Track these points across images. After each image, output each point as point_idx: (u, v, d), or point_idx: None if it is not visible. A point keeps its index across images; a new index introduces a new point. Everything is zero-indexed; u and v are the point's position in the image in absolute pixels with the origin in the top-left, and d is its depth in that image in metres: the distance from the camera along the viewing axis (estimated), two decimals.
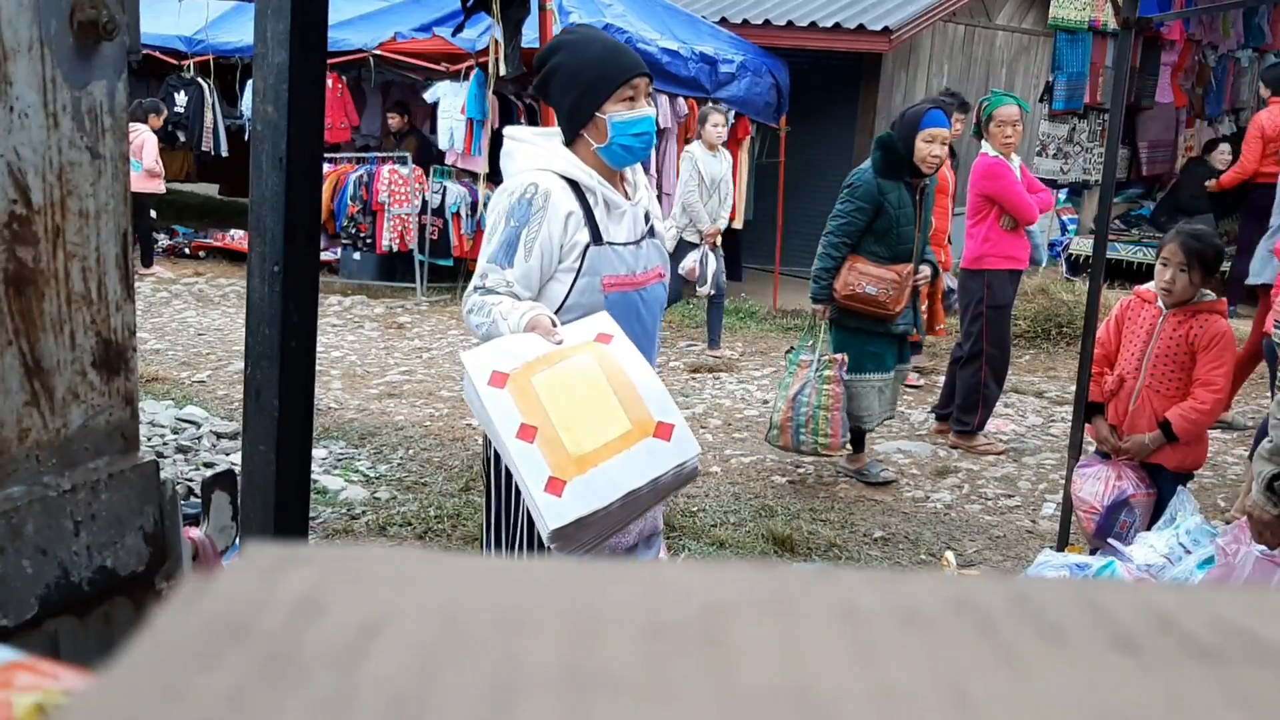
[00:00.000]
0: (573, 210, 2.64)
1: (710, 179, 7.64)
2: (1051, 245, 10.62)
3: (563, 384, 2.33)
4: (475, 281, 2.62)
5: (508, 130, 2.86)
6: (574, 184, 2.66)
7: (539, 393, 2.30)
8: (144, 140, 9.52)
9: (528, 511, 2.54)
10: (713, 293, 7.83)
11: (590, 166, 2.70)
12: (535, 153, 2.70)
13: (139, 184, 9.52)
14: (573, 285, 2.66)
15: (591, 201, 2.68)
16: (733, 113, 9.87)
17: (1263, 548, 2.77)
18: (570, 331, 2.47)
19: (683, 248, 7.68)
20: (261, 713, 0.29)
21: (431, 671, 0.31)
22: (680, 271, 7.56)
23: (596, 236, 2.68)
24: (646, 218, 2.86)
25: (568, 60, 2.67)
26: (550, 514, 2.22)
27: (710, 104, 8.29)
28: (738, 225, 10.24)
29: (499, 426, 2.27)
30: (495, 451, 2.66)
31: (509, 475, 2.60)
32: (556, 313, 2.62)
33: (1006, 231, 5.87)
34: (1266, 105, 8.82)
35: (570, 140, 2.74)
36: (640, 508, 2.42)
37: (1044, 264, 6.80)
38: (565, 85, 2.67)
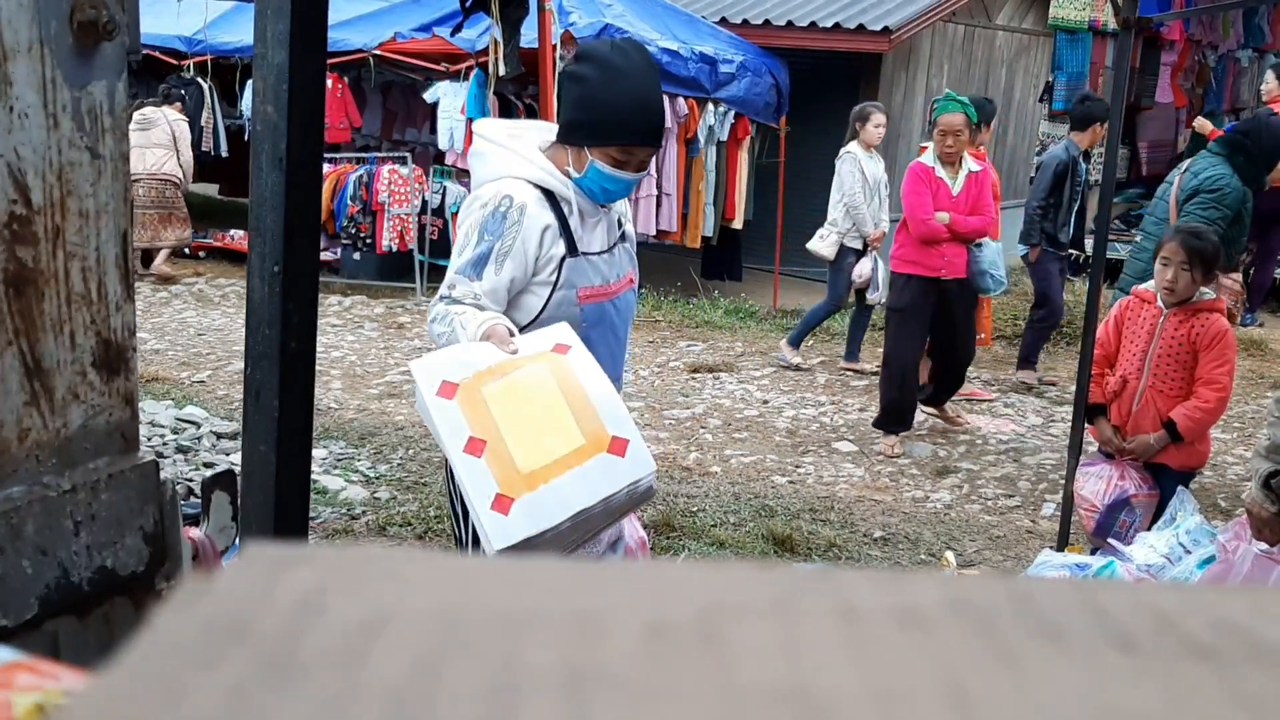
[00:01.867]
0: (549, 224, 2.55)
1: (872, 180, 7.39)
2: None
3: (514, 395, 2.25)
4: (442, 290, 2.53)
5: (478, 126, 2.72)
6: (549, 193, 2.57)
7: (489, 404, 2.21)
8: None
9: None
10: (882, 300, 7.38)
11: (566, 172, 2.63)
12: (508, 159, 2.58)
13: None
14: (549, 299, 2.58)
15: (567, 211, 2.59)
16: (731, 112, 9.88)
17: (1263, 545, 2.77)
18: (526, 341, 2.39)
19: (844, 254, 7.40)
20: (261, 713, 0.29)
21: (431, 671, 0.31)
22: (854, 279, 7.35)
23: (572, 248, 2.59)
24: (620, 222, 2.79)
25: (599, 84, 2.52)
26: (496, 534, 2.12)
27: (869, 102, 7.88)
28: (737, 225, 10.25)
29: (446, 439, 2.19)
30: None
31: None
32: (530, 325, 2.56)
33: (913, 237, 5.84)
34: (1265, 102, 8.76)
35: (555, 142, 2.64)
36: (592, 528, 2.31)
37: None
38: (581, 101, 2.54)
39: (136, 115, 9.57)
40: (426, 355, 2.40)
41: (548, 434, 2.20)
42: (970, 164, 5.91)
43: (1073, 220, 7.25)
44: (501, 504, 2.12)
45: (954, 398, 6.54)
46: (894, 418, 6.01)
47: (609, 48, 2.58)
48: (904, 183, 5.92)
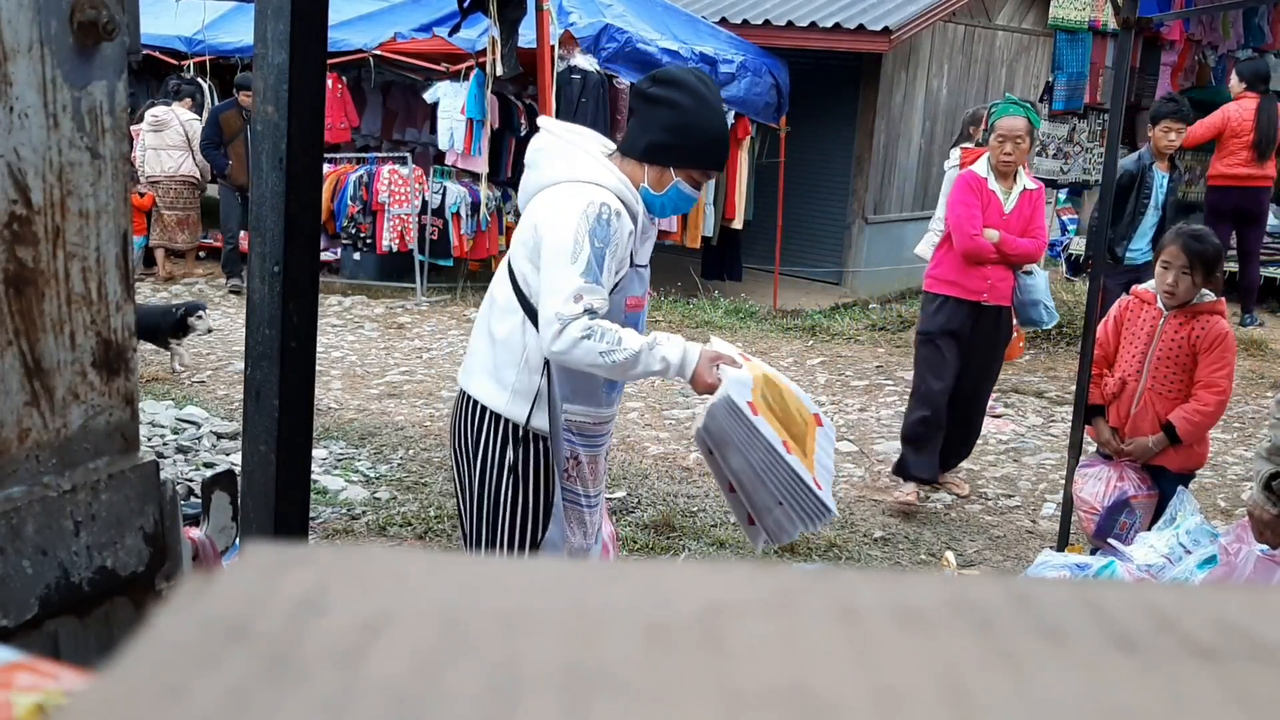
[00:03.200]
0: (631, 231, 2.67)
1: None
2: (1051, 246, 10.60)
3: (774, 401, 2.66)
4: (571, 307, 2.50)
5: (547, 123, 2.79)
6: (624, 204, 2.67)
7: (771, 411, 2.63)
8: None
9: (515, 524, 2.80)
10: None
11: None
12: (591, 165, 2.65)
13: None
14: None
15: (634, 224, 2.70)
16: (731, 112, 9.88)
17: (1264, 547, 2.76)
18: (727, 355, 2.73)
19: None
20: (261, 713, 0.29)
21: (432, 671, 0.31)
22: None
23: (632, 258, 2.73)
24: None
25: (690, 111, 2.64)
26: (830, 505, 2.66)
27: (982, 105, 7.31)
28: (737, 225, 10.25)
29: (775, 444, 2.56)
30: (489, 461, 2.78)
31: (507, 491, 2.79)
32: None
33: (955, 254, 5.15)
34: (1235, 99, 8.74)
35: (626, 155, 2.70)
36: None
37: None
38: (670, 125, 2.64)
39: (148, 116, 9.56)
40: (728, 381, 2.59)
41: (795, 423, 2.68)
42: (1026, 180, 5.19)
43: (1135, 235, 6.68)
44: (816, 485, 2.63)
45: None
46: (914, 459, 5.22)
47: (694, 77, 2.70)
48: (951, 192, 5.24)
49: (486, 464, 2.80)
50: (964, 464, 5.80)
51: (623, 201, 2.63)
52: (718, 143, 2.70)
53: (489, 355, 2.79)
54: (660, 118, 2.65)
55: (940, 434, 5.24)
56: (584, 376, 2.69)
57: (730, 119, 9.87)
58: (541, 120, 2.84)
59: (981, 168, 5.14)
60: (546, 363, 2.69)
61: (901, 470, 5.29)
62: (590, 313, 2.51)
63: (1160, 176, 6.75)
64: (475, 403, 2.82)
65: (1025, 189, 5.14)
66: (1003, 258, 5.08)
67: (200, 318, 6.96)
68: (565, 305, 2.49)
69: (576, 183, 2.62)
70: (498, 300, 2.78)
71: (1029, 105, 5.12)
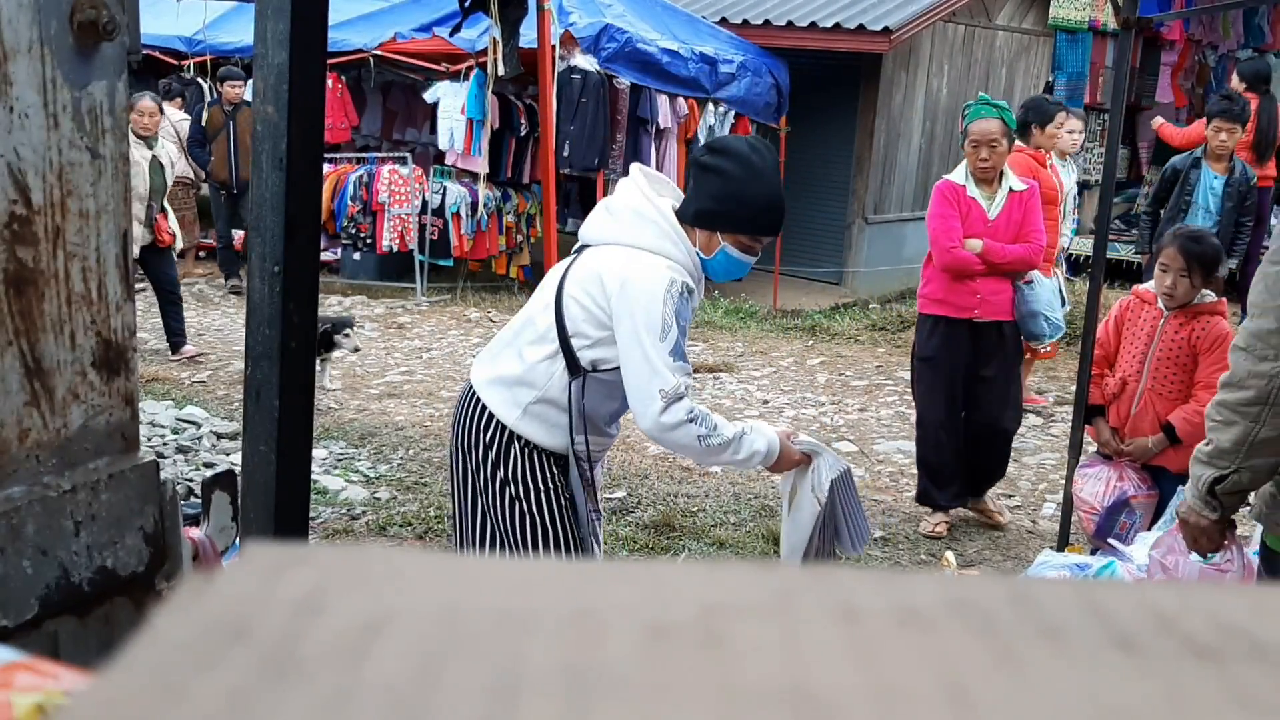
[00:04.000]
0: (694, 306, 2.76)
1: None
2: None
3: None
4: (672, 385, 2.59)
5: (640, 176, 2.79)
6: (691, 278, 2.73)
7: None
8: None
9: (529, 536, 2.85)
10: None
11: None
12: (667, 240, 2.69)
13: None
14: None
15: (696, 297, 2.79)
16: (731, 112, 9.88)
17: (1195, 556, 2.64)
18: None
19: None
20: (261, 713, 0.29)
21: (432, 671, 0.31)
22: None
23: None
24: None
25: (743, 180, 2.68)
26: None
27: (1054, 103, 6.94)
28: None
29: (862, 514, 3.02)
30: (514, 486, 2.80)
31: (529, 516, 2.81)
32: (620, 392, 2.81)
33: (941, 270, 4.76)
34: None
35: (681, 219, 2.75)
36: None
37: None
38: (719, 192, 2.69)
39: None
40: (827, 455, 2.87)
41: None
42: (1013, 181, 4.80)
43: (1165, 226, 6.37)
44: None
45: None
46: (933, 485, 4.95)
47: (747, 145, 2.75)
48: (930, 204, 4.88)
49: (486, 468, 2.82)
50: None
51: (690, 276, 2.71)
52: (767, 209, 2.72)
53: (511, 370, 2.79)
54: (710, 185, 2.70)
55: (956, 461, 4.89)
56: (593, 412, 2.75)
57: (730, 118, 9.88)
58: (636, 168, 2.84)
59: (959, 175, 4.78)
60: (570, 400, 2.72)
61: (925, 499, 5.00)
62: (687, 388, 2.62)
63: (1211, 177, 6.56)
64: (484, 407, 2.82)
65: (1013, 190, 4.76)
66: (992, 269, 4.69)
67: (348, 335, 6.57)
68: (667, 383, 2.58)
69: (658, 256, 2.66)
70: (537, 324, 2.77)
71: (1003, 106, 4.77)
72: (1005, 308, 4.75)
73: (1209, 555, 2.53)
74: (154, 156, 7.14)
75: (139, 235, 6.97)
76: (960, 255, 4.66)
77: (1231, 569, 2.65)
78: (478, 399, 2.84)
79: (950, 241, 4.67)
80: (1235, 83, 8.77)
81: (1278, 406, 2.11)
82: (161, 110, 7.63)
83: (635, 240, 2.69)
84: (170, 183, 7.44)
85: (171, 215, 7.49)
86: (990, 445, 4.94)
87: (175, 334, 7.39)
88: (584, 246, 2.81)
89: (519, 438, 2.78)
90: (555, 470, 2.80)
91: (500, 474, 2.80)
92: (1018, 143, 5.59)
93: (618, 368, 2.66)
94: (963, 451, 4.92)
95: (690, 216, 2.73)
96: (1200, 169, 6.51)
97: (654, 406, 2.58)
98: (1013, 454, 5.99)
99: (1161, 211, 6.99)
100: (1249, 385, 2.13)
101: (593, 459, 2.85)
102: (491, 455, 2.81)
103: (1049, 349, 6.33)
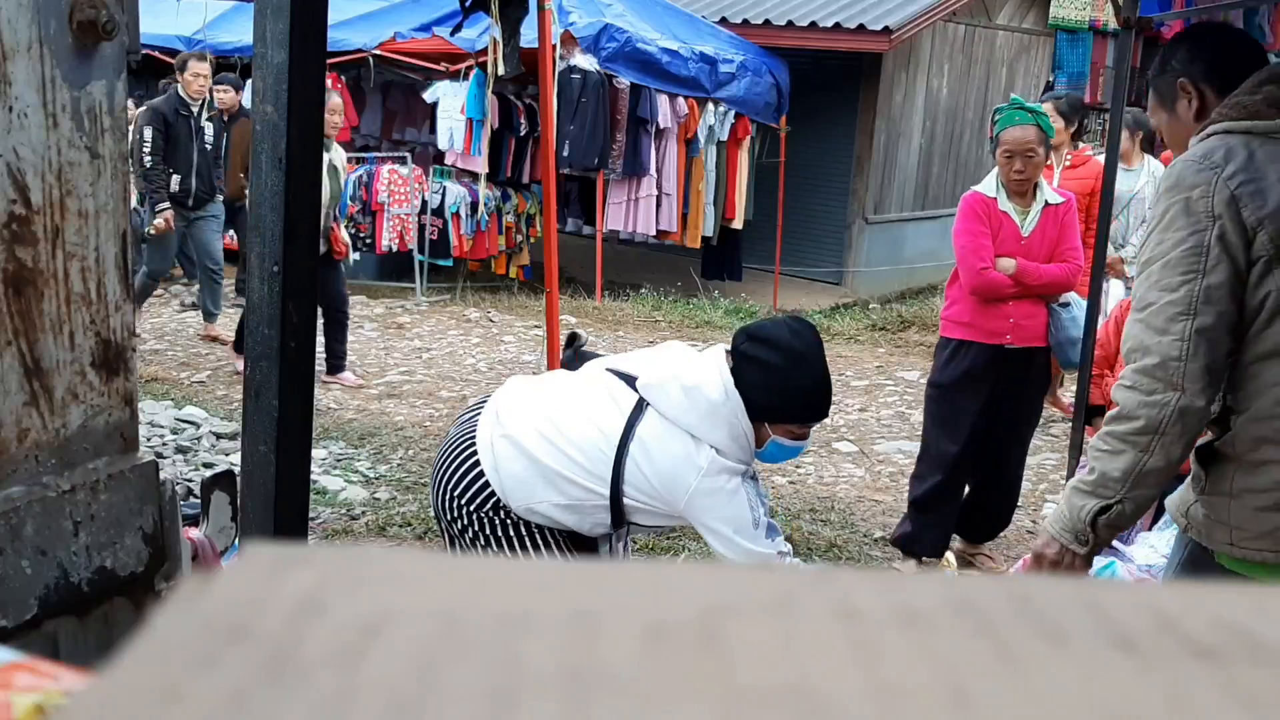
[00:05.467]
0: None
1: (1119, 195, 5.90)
2: None
3: None
4: (781, 559, 2.69)
5: (726, 373, 2.65)
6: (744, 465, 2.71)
7: None
8: None
9: None
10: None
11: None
12: (740, 444, 2.64)
13: None
14: None
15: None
16: (731, 112, 9.88)
17: None
18: None
19: None
20: (261, 713, 0.29)
21: (432, 672, 0.31)
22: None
23: None
24: None
25: (780, 370, 2.62)
26: None
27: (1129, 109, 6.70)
28: (737, 225, 10.25)
29: None
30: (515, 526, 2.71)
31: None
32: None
33: (970, 293, 4.28)
34: None
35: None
36: None
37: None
38: (760, 384, 2.62)
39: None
40: None
41: None
42: (1048, 194, 4.32)
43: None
44: None
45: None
46: (921, 531, 4.45)
47: (787, 331, 2.70)
48: (956, 218, 4.37)
49: (470, 532, 2.70)
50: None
51: (746, 466, 2.69)
52: (812, 396, 2.68)
53: (551, 469, 2.61)
54: (752, 376, 2.64)
55: (955, 503, 4.46)
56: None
57: (730, 117, 9.87)
58: (719, 353, 2.73)
59: (989, 186, 4.30)
60: (610, 543, 2.75)
61: (904, 544, 4.49)
62: (783, 553, 2.71)
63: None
64: (484, 483, 2.65)
65: (1049, 204, 4.28)
66: (1025, 290, 4.21)
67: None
68: (771, 560, 2.62)
69: (720, 456, 2.60)
70: (593, 460, 2.59)
71: (1039, 110, 4.30)
72: (1039, 333, 4.27)
73: None
74: (329, 160, 6.46)
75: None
76: (992, 277, 4.19)
77: None
78: (477, 469, 2.65)
79: (981, 262, 4.19)
80: None
81: (1167, 437, 2.05)
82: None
83: (708, 436, 2.61)
84: (343, 188, 6.84)
85: (342, 226, 6.94)
86: (998, 486, 4.51)
87: (337, 356, 6.82)
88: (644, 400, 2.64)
89: (508, 512, 2.64)
90: (552, 533, 2.70)
91: (479, 540, 2.68)
92: (1082, 144, 5.31)
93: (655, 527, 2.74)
94: (966, 494, 4.50)
95: (746, 402, 2.65)
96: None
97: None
98: None
99: None
100: (1138, 415, 2.07)
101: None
102: (473, 530, 2.68)
103: (1065, 401, 6.03)
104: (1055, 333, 4.27)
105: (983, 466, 4.44)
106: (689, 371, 2.64)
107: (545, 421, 2.64)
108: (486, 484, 2.63)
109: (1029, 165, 4.15)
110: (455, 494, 2.67)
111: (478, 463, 2.65)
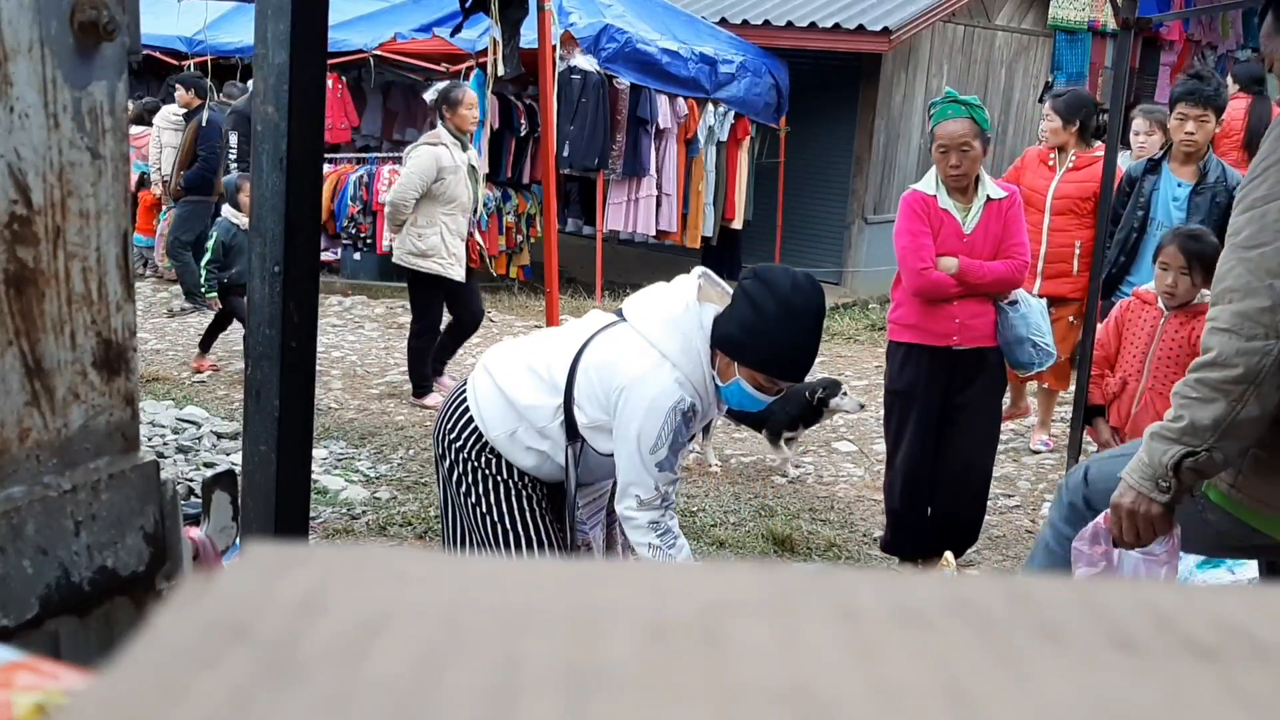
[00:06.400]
0: (694, 424, 2.75)
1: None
2: None
3: None
4: (656, 497, 2.66)
5: (691, 290, 2.70)
6: (700, 398, 2.70)
7: None
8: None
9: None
10: None
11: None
12: (693, 360, 2.63)
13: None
14: None
15: (700, 415, 2.75)
16: (731, 112, 9.88)
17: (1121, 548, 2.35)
18: None
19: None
20: (261, 713, 0.29)
21: (432, 671, 0.31)
22: None
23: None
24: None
25: (774, 320, 2.60)
26: None
27: (1143, 105, 6.22)
28: (737, 225, 10.25)
29: None
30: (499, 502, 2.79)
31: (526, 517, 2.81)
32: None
33: (913, 295, 4.15)
34: (1230, 99, 8.67)
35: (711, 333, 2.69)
36: None
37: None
38: (745, 323, 2.61)
39: (170, 114, 9.51)
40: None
41: None
42: (990, 189, 4.16)
43: (1135, 264, 5.11)
44: None
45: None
46: (903, 536, 4.45)
47: (790, 285, 2.65)
48: (897, 218, 4.23)
49: (453, 476, 2.81)
50: None
51: (700, 397, 2.67)
52: (790, 354, 2.65)
53: (516, 391, 2.74)
54: (742, 313, 2.63)
55: (924, 506, 4.38)
56: (586, 473, 2.80)
57: (730, 118, 9.87)
58: (700, 272, 2.78)
59: (928, 184, 4.14)
60: (566, 458, 2.72)
61: (890, 550, 4.52)
62: (665, 498, 2.68)
63: (1172, 185, 5.06)
64: (470, 418, 2.79)
65: (990, 199, 4.11)
66: (969, 289, 4.07)
67: (845, 395, 5.54)
68: (646, 491, 2.65)
69: (676, 369, 2.61)
70: (552, 368, 2.71)
71: (974, 102, 4.13)
72: (988, 333, 4.13)
73: (1135, 546, 2.24)
74: (468, 161, 6.16)
75: (460, 256, 6.09)
76: (934, 277, 4.05)
77: (1169, 559, 2.34)
78: (464, 406, 2.80)
79: (921, 262, 4.06)
80: (1230, 84, 8.74)
81: (1263, 387, 1.94)
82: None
83: (660, 343, 2.64)
84: (482, 191, 6.24)
85: (479, 235, 6.44)
86: (964, 492, 4.35)
87: (443, 361, 6.68)
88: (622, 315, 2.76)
89: (498, 454, 2.75)
90: (529, 488, 2.78)
91: (464, 486, 2.78)
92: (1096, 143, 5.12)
93: (609, 455, 2.70)
94: (932, 500, 4.37)
95: (716, 338, 2.66)
96: (1159, 174, 5.11)
97: (628, 502, 2.68)
98: (1012, 454, 6.00)
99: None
100: (1235, 363, 1.94)
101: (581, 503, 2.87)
102: (458, 468, 2.79)
103: (1025, 405, 5.95)
104: (1004, 332, 4.13)
105: (949, 473, 4.31)
106: (665, 288, 2.75)
107: (521, 352, 2.83)
108: (471, 420, 2.77)
109: (964, 160, 4.00)
110: (450, 436, 2.81)
111: (467, 402, 2.80)
